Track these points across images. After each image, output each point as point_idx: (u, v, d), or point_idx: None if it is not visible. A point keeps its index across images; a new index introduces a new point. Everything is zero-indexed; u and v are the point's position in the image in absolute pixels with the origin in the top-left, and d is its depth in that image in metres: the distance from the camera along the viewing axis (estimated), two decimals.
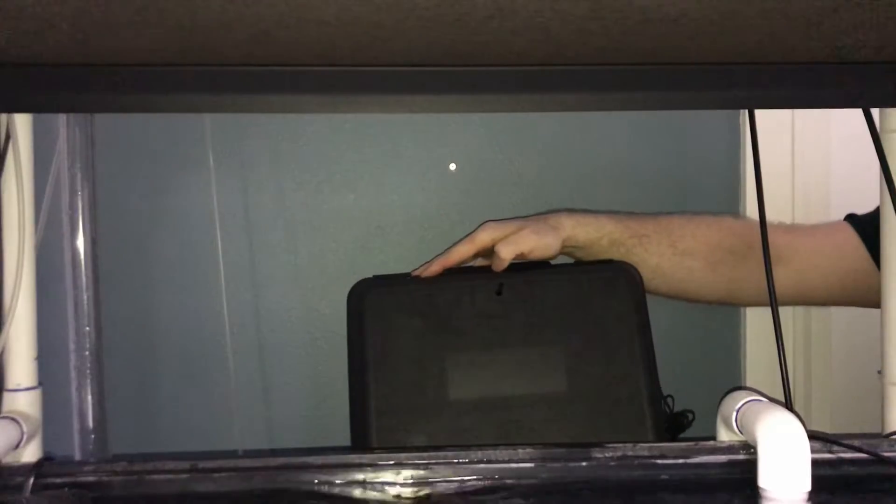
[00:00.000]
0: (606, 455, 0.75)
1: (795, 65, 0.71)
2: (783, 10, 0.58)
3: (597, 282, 0.92)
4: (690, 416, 0.97)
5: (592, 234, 0.98)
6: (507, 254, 0.92)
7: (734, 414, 0.74)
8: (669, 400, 0.96)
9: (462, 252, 0.94)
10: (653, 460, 0.75)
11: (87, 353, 0.98)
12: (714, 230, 1.00)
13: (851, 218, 1.01)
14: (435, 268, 0.93)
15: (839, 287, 0.99)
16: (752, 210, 1.15)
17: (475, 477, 0.73)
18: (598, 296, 0.91)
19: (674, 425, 0.96)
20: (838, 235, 0.99)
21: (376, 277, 0.95)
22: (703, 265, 0.99)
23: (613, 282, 0.92)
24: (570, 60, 0.69)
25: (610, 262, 0.97)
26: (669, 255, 0.98)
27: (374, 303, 0.90)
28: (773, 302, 0.80)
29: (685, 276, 0.99)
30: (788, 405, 0.74)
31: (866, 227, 0.96)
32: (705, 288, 1.01)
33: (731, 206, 1.16)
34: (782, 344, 0.78)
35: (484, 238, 0.94)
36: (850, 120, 0.87)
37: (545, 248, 0.95)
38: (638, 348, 0.90)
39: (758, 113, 0.84)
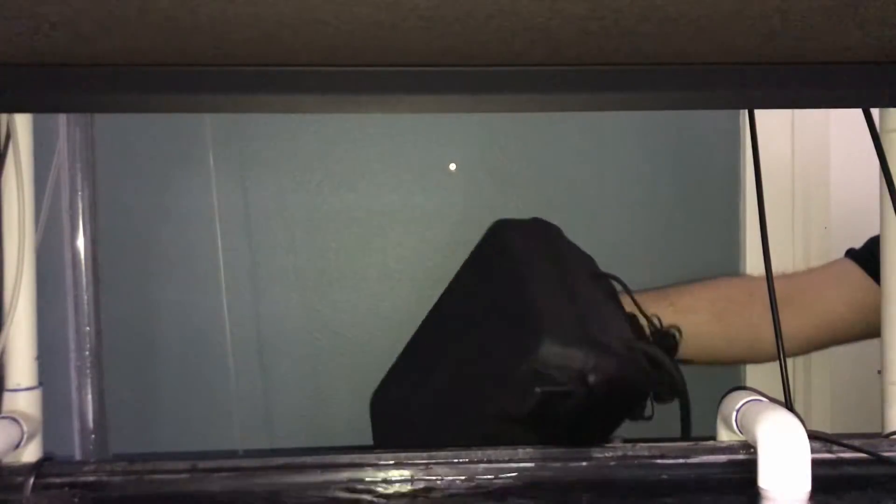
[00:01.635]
0: (606, 455, 0.75)
1: (795, 65, 0.71)
2: (783, 10, 0.58)
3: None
4: (677, 334, 0.96)
5: None
6: None
7: (734, 414, 0.74)
8: (655, 319, 0.95)
9: None
10: (653, 460, 0.75)
11: (87, 353, 0.98)
12: (710, 287, 1.02)
13: (850, 252, 1.01)
14: None
15: (850, 316, 0.98)
16: (752, 210, 1.15)
17: (476, 477, 0.73)
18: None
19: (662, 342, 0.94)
20: (838, 267, 1.00)
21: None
22: (708, 318, 0.99)
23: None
24: (570, 60, 0.69)
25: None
26: (670, 313, 0.97)
27: None
28: (773, 301, 0.80)
29: (693, 332, 0.98)
30: (788, 405, 0.74)
31: (864, 253, 0.96)
32: (719, 342, 1.00)
33: (731, 206, 1.16)
34: (782, 344, 0.78)
35: None
36: (849, 120, 0.87)
37: None
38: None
39: (758, 113, 0.84)
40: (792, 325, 0.88)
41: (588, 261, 0.96)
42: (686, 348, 0.98)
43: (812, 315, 0.98)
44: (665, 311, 0.98)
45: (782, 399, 0.76)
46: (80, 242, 0.98)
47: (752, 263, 1.14)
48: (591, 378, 0.79)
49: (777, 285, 0.81)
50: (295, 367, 1.10)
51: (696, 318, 0.99)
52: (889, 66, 0.71)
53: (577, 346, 0.80)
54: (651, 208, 1.07)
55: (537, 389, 0.81)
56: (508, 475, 0.74)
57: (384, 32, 0.60)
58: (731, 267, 1.15)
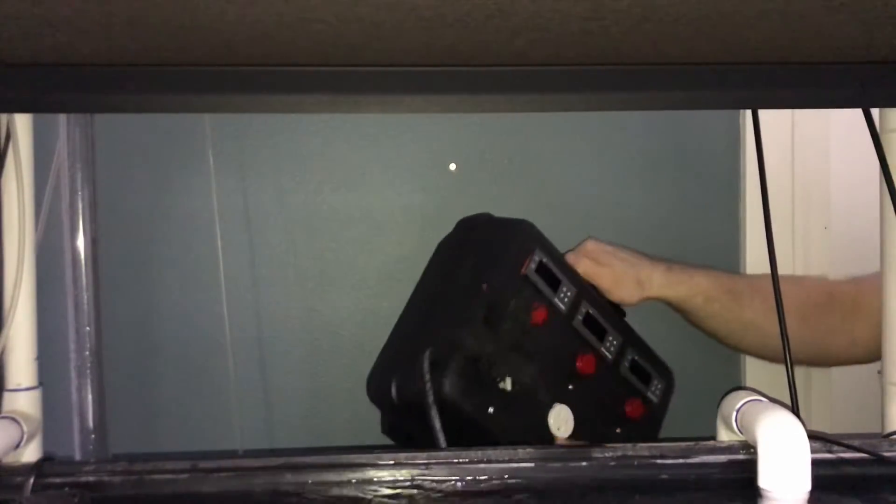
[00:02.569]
0: (606, 455, 0.75)
1: (795, 65, 0.71)
2: (783, 10, 0.58)
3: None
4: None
5: (684, 292, 1.01)
6: (581, 267, 0.98)
7: (734, 414, 0.74)
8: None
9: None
10: (653, 460, 0.75)
11: (87, 353, 0.98)
12: (798, 287, 1.02)
13: None
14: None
15: None
16: (752, 210, 1.15)
17: (475, 477, 0.73)
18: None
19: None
20: None
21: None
22: (795, 319, 0.97)
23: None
24: (570, 60, 0.69)
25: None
26: (763, 310, 0.98)
27: None
28: (779, 302, 0.80)
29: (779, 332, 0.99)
30: (794, 406, 0.74)
31: None
32: (798, 343, 0.99)
33: (731, 206, 1.16)
34: (787, 344, 0.78)
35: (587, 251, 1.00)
36: (849, 120, 0.87)
37: (618, 298, 1.00)
38: None
39: (758, 112, 0.84)
40: (864, 332, 0.86)
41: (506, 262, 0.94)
42: (763, 341, 0.98)
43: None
44: (759, 306, 0.98)
45: (782, 399, 0.76)
46: (80, 242, 0.98)
47: (753, 263, 1.14)
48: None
49: (846, 288, 0.81)
50: (295, 367, 1.10)
51: (788, 319, 0.99)
52: (889, 66, 0.71)
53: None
54: (651, 208, 1.07)
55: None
56: (508, 475, 0.74)
57: (384, 32, 0.60)
58: (731, 267, 1.15)
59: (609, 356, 0.97)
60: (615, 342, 0.97)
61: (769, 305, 0.98)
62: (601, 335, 0.97)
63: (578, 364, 0.93)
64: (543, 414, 0.90)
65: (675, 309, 1.04)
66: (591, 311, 0.96)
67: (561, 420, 0.90)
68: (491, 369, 0.87)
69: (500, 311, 0.89)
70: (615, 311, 1.00)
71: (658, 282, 1.01)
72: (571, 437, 0.91)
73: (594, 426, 0.93)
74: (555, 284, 0.94)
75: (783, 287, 1.02)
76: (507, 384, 0.88)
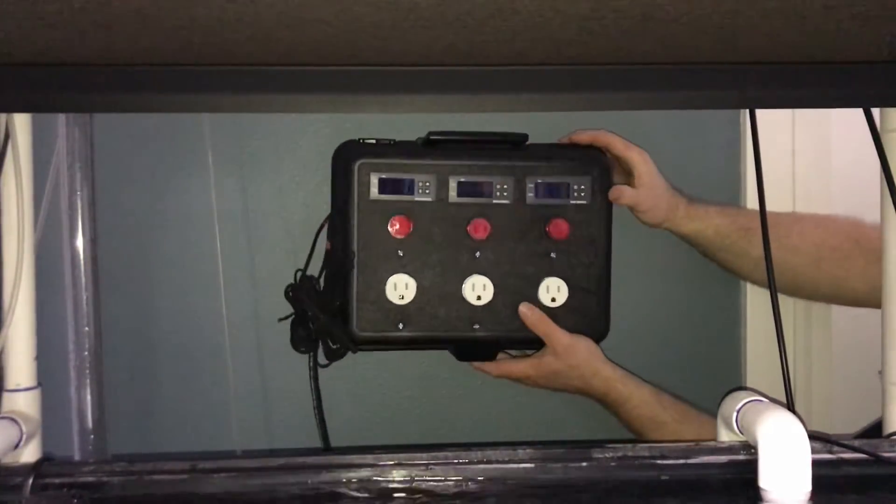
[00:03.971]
0: (606, 455, 0.75)
1: (795, 65, 0.71)
2: (783, 10, 0.58)
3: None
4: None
5: (698, 225, 1.03)
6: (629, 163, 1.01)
7: (735, 414, 0.74)
8: None
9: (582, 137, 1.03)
10: (653, 461, 0.74)
11: (86, 353, 0.98)
12: (820, 229, 1.03)
13: None
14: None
15: None
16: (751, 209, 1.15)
17: (475, 477, 0.73)
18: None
19: None
20: None
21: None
22: (808, 261, 1.01)
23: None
24: (570, 60, 0.69)
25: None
26: (776, 247, 0.98)
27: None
28: (775, 303, 0.80)
29: (790, 271, 1.01)
30: (790, 406, 0.74)
31: None
32: (809, 284, 1.03)
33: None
34: (783, 345, 0.78)
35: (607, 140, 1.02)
36: (850, 119, 0.87)
37: (647, 217, 1.02)
38: None
39: (759, 112, 0.84)
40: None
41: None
42: (781, 284, 0.97)
43: None
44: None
45: (783, 399, 0.76)
46: (80, 242, 0.98)
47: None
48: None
49: (875, 234, 0.81)
50: (294, 367, 1.10)
51: (798, 260, 1.01)
52: (889, 66, 0.71)
53: None
54: None
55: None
56: (508, 476, 0.73)
57: (384, 32, 0.60)
58: None
59: (506, 200, 0.98)
60: (506, 185, 0.98)
61: (781, 243, 0.99)
62: (487, 190, 0.98)
63: (473, 232, 0.97)
64: (458, 295, 0.98)
65: (688, 241, 1.06)
66: (462, 180, 0.98)
67: (478, 289, 0.98)
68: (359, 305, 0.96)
69: (349, 261, 0.96)
70: (505, 143, 1.01)
71: (682, 212, 1.03)
72: (501, 292, 0.98)
73: (523, 268, 0.99)
74: (408, 187, 0.97)
75: (804, 226, 1.04)
76: (406, 298, 0.97)
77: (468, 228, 0.98)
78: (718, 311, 1.15)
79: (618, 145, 1.02)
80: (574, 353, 0.99)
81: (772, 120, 1.12)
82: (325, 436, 1.03)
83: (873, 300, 0.84)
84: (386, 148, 0.98)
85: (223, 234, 1.08)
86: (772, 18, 0.59)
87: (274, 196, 1.10)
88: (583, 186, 1.00)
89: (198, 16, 0.56)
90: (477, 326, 0.99)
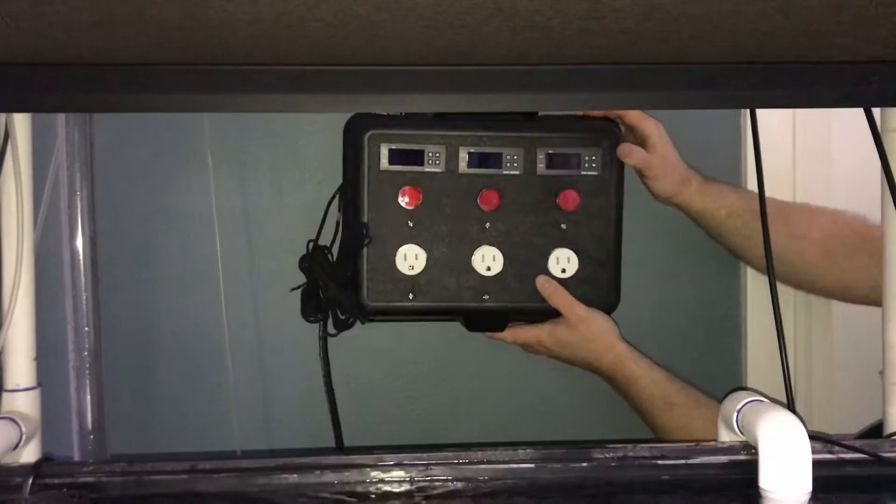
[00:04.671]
0: (607, 455, 0.75)
1: (795, 65, 0.71)
2: (783, 10, 0.58)
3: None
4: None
5: (711, 204, 1.02)
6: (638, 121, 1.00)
7: (735, 414, 0.74)
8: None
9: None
10: (653, 461, 0.74)
11: (86, 353, 0.98)
12: (830, 221, 1.03)
13: None
14: None
15: None
16: None
17: (475, 477, 0.73)
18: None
19: None
20: None
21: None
22: (816, 251, 1.00)
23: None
24: (570, 60, 0.69)
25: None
26: (784, 234, 0.99)
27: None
28: (776, 303, 0.80)
29: (797, 260, 1.00)
30: (790, 406, 0.74)
31: None
32: (817, 276, 1.02)
33: None
34: (784, 345, 0.78)
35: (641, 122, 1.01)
36: (851, 119, 0.87)
37: (656, 187, 1.01)
38: None
39: (759, 112, 0.84)
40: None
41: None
42: (779, 266, 0.97)
43: None
44: (780, 230, 0.98)
45: (783, 399, 0.76)
46: (79, 242, 0.97)
47: None
48: None
49: (880, 233, 0.81)
50: (294, 368, 1.10)
51: (807, 248, 1.00)
52: (889, 66, 0.70)
53: None
54: (651, 206, 1.07)
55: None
56: (508, 476, 0.73)
57: (384, 32, 0.60)
58: (730, 267, 1.14)
59: (517, 172, 0.99)
60: (517, 155, 0.98)
61: (790, 231, 1.00)
62: (497, 161, 0.98)
63: (483, 203, 0.98)
64: (468, 266, 0.98)
65: (696, 219, 1.05)
66: (472, 150, 0.98)
67: (488, 260, 0.99)
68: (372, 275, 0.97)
69: (362, 233, 0.96)
70: (516, 114, 1.00)
71: (695, 187, 1.02)
72: (510, 263, 0.99)
73: (532, 239, 0.99)
74: (417, 158, 0.97)
75: (815, 217, 1.04)
76: (416, 268, 0.97)
77: (478, 199, 0.98)
78: (718, 310, 1.15)
79: (632, 116, 1.01)
80: (589, 325, 0.99)
81: (772, 120, 1.12)
82: (332, 403, 1.03)
83: (874, 297, 0.84)
84: (397, 119, 0.98)
85: (223, 234, 1.08)
86: (772, 18, 0.59)
87: (274, 196, 1.10)
88: (594, 157, 1.00)
89: (198, 16, 0.56)
90: (486, 297, 0.99)
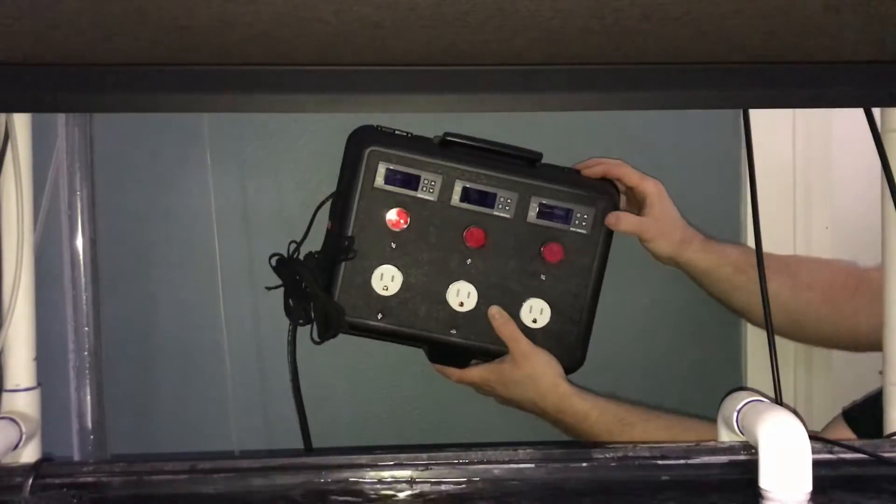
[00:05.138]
0: (607, 456, 0.75)
1: (795, 65, 0.71)
2: (783, 10, 0.58)
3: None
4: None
5: (715, 261, 1.02)
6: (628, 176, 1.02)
7: (735, 414, 0.74)
8: None
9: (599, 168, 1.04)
10: (653, 461, 0.74)
11: (85, 353, 0.98)
12: (827, 268, 1.04)
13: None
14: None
15: None
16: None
17: (475, 478, 0.73)
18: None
19: None
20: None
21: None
22: (821, 298, 1.00)
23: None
24: (570, 60, 0.69)
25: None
26: (789, 285, 1.00)
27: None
28: (766, 304, 0.80)
29: (803, 308, 1.00)
30: (778, 400, 0.74)
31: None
32: (824, 323, 1.01)
33: (732, 206, 1.16)
34: (773, 344, 0.78)
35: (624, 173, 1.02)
36: (851, 119, 0.87)
37: (654, 247, 1.02)
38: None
39: (759, 112, 0.84)
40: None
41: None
42: (787, 315, 0.99)
43: None
44: (785, 281, 0.99)
45: (784, 400, 0.76)
46: (79, 242, 0.98)
47: None
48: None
49: (875, 275, 0.83)
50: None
51: (812, 295, 1.00)
52: (890, 66, 0.71)
53: None
54: None
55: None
56: (508, 476, 0.73)
57: (384, 32, 0.60)
58: None
59: (507, 215, 0.99)
60: (510, 199, 0.99)
61: (795, 283, 1.00)
62: (490, 201, 0.98)
63: (468, 240, 0.98)
64: (441, 297, 0.98)
65: (701, 279, 1.05)
66: (468, 186, 0.98)
67: (462, 295, 0.99)
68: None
69: (343, 242, 0.96)
70: (519, 158, 1.01)
71: (696, 246, 1.02)
72: (484, 303, 0.99)
73: (510, 284, 0.99)
74: (413, 182, 0.97)
75: (815, 266, 1.04)
76: (390, 290, 0.97)
77: (464, 234, 0.98)
78: (718, 310, 1.15)
79: (632, 177, 1.01)
80: (533, 362, 0.98)
81: (773, 119, 1.12)
82: (300, 406, 1.02)
83: (874, 340, 0.84)
84: (400, 140, 0.98)
85: (223, 234, 1.08)
86: (772, 18, 0.59)
87: (274, 196, 1.10)
88: (585, 216, 1.00)
89: (198, 16, 0.56)
90: (454, 331, 0.99)
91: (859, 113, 0.79)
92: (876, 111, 0.79)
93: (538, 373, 0.98)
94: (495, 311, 0.99)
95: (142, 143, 1.08)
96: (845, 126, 1.13)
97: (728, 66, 0.71)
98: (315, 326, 1.00)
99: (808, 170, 1.15)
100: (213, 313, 1.07)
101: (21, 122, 0.76)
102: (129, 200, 1.08)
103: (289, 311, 1.00)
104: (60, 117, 0.95)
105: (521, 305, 0.99)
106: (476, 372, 1.01)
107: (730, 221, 1.16)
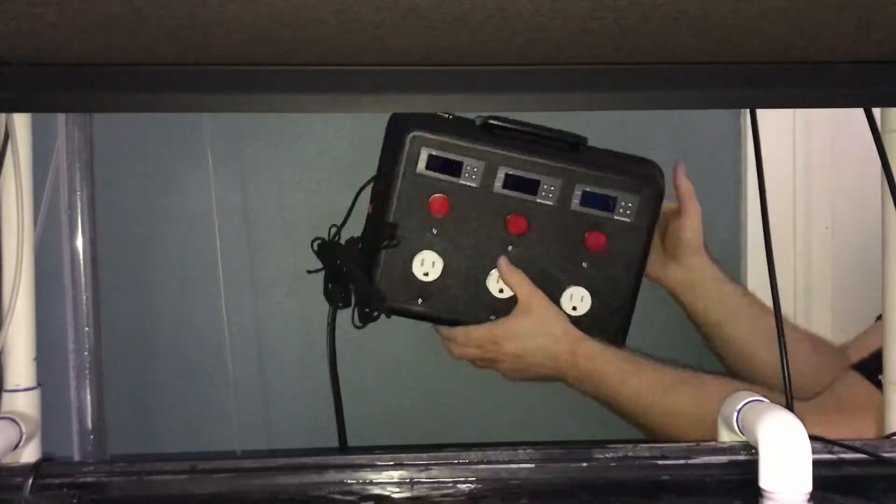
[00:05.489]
0: (607, 456, 0.75)
1: (795, 65, 0.71)
2: (783, 10, 0.58)
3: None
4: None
5: (730, 290, 1.05)
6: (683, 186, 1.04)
7: (735, 415, 0.74)
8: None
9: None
10: (653, 461, 0.74)
11: (86, 353, 0.98)
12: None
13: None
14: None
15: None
16: (753, 210, 1.15)
17: (475, 477, 0.73)
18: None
19: None
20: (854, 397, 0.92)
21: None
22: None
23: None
24: (570, 60, 0.69)
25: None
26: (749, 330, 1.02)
27: None
28: (776, 302, 0.80)
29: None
30: (789, 405, 0.74)
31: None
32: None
33: (733, 206, 1.16)
34: (784, 345, 0.78)
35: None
36: (851, 119, 0.87)
37: (670, 253, 1.04)
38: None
39: (759, 112, 0.84)
40: None
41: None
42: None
43: None
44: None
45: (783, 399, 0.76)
46: (79, 242, 0.98)
47: (753, 263, 1.14)
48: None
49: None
50: (294, 368, 1.10)
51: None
52: (890, 66, 0.70)
53: None
54: None
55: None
56: (508, 476, 0.73)
57: (384, 32, 0.60)
58: (731, 268, 1.14)
59: (550, 203, 0.98)
60: (553, 186, 0.98)
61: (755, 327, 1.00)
62: (533, 188, 0.98)
63: (510, 227, 0.97)
64: (482, 283, 0.98)
65: (702, 312, 1.05)
66: (511, 172, 0.97)
67: (503, 283, 0.98)
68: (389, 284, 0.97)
69: (386, 229, 0.96)
70: (562, 142, 1.00)
71: (715, 273, 1.04)
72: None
73: (552, 271, 0.99)
74: (455, 169, 0.96)
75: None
76: (430, 275, 0.97)
77: (506, 221, 0.98)
78: None
79: (683, 188, 1.04)
80: (542, 307, 0.96)
81: (773, 120, 1.12)
82: (337, 397, 1.03)
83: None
84: (442, 123, 0.97)
85: (223, 234, 1.08)
86: (772, 18, 0.59)
87: (274, 196, 1.10)
88: (630, 204, 0.99)
89: (198, 16, 0.56)
90: (493, 317, 0.99)
91: (859, 112, 0.78)
92: (876, 111, 0.79)
93: (549, 318, 0.97)
94: (502, 262, 0.97)
95: (142, 143, 1.08)
96: (845, 125, 1.13)
97: (728, 66, 0.71)
98: (356, 311, 0.99)
99: (808, 170, 1.15)
100: (213, 313, 1.07)
101: (21, 122, 0.76)
102: (129, 200, 1.08)
103: (329, 295, 1.00)
104: (60, 117, 0.95)
105: (561, 293, 0.99)
106: (484, 329, 0.98)
107: (731, 222, 1.16)
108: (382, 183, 0.98)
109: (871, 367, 0.87)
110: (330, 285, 1.00)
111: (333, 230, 1.01)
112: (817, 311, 1.14)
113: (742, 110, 1.12)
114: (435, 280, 0.97)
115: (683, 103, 0.85)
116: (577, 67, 0.70)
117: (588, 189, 0.98)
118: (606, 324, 1.00)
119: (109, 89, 0.69)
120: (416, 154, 0.95)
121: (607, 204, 0.99)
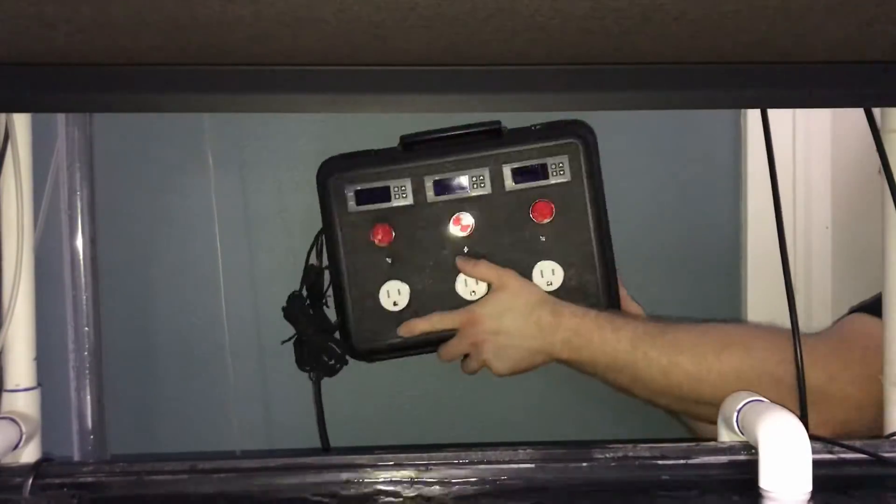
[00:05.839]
0: (607, 456, 0.75)
1: (795, 65, 0.71)
2: (783, 10, 0.58)
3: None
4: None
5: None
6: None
7: (735, 415, 0.74)
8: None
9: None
10: (653, 461, 0.74)
11: (86, 353, 0.98)
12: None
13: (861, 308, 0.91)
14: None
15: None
16: (753, 210, 1.15)
17: (475, 477, 0.73)
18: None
19: None
20: (857, 333, 0.88)
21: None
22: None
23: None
24: (570, 60, 0.69)
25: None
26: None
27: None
28: (791, 300, 0.80)
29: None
30: (802, 407, 0.74)
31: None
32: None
33: (733, 206, 1.16)
34: (799, 342, 0.78)
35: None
36: (851, 119, 0.87)
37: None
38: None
39: (759, 112, 0.84)
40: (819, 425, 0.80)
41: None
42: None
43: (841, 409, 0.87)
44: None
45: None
46: (79, 242, 0.98)
47: (753, 263, 1.14)
48: None
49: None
50: (294, 368, 1.10)
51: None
52: (890, 66, 0.70)
53: None
54: (650, 207, 1.07)
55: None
56: (508, 476, 0.73)
57: (384, 32, 0.60)
58: (732, 268, 1.15)
59: (485, 191, 0.97)
60: (483, 176, 0.97)
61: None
62: (463, 184, 0.97)
63: (453, 228, 0.97)
64: (452, 292, 0.97)
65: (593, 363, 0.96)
66: (437, 178, 0.97)
67: (471, 284, 0.97)
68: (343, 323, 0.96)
69: (330, 279, 0.97)
70: (479, 134, 0.98)
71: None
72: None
73: (512, 256, 0.97)
74: (384, 194, 0.96)
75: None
76: (400, 303, 0.96)
77: (451, 225, 0.97)
78: (718, 310, 1.15)
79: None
80: (518, 281, 0.94)
81: (773, 120, 1.12)
82: (325, 440, 1.02)
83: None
84: (361, 159, 0.98)
85: (223, 234, 1.08)
86: (771, 18, 0.59)
87: (274, 196, 1.11)
88: (560, 163, 0.97)
89: (198, 16, 0.56)
90: None
91: (859, 112, 0.79)
92: (876, 111, 0.79)
93: (525, 289, 0.94)
94: (460, 261, 0.96)
95: (142, 143, 1.08)
96: (845, 125, 1.13)
97: (728, 67, 0.71)
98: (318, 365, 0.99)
99: (808, 169, 1.15)
100: (213, 313, 1.07)
101: (21, 122, 0.76)
102: (129, 200, 1.08)
103: (298, 359, 1.00)
104: (60, 117, 0.95)
105: (531, 273, 0.97)
106: (461, 310, 0.96)
107: (731, 222, 1.16)
108: (326, 235, 0.98)
109: (874, 309, 0.85)
110: (299, 348, 1.00)
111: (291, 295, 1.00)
112: (817, 311, 1.14)
113: (742, 110, 1.12)
114: (406, 306, 0.96)
115: (683, 103, 0.85)
116: (577, 67, 0.70)
117: (516, 165, 0.97)
118: (587, 286, 0.97)
119: (109, 89, 0.69)
120: (343, 195, 0.96)
121: (539, 172, 0.97)
